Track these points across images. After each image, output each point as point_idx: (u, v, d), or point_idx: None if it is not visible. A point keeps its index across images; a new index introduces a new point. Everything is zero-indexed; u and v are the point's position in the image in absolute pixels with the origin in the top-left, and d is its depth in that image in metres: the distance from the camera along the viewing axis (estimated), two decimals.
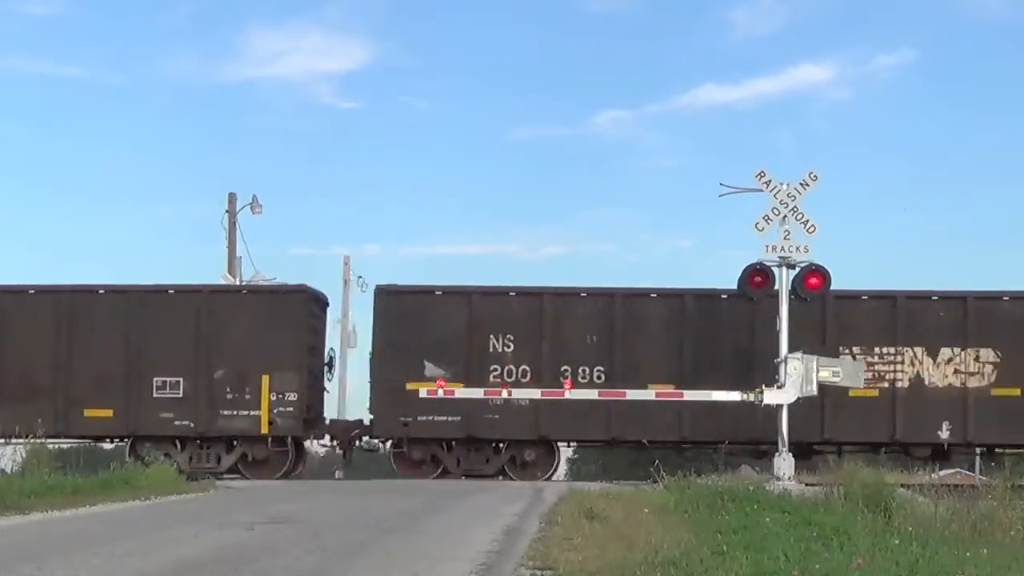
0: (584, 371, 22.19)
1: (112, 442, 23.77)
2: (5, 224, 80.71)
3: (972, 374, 22.05)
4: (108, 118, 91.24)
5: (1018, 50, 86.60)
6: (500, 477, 22.26)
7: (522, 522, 12.63)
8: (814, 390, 18.81)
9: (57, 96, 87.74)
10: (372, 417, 22.91)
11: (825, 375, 18.86)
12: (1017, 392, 21.89)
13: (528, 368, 22.18)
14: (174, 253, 73.82)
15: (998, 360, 22.04)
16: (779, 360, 18.80)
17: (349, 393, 29.34)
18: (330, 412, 24.88)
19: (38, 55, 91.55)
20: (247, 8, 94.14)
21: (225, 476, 22.33)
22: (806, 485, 18.12)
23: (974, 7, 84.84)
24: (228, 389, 22.42)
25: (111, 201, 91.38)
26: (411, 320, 22.54)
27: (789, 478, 18.34)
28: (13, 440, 20.70)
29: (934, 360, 22.11)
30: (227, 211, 34.67)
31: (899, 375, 22.13)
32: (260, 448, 22.53)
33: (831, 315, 21.98)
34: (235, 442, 22.63)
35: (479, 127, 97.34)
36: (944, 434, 21.97)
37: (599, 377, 22.13)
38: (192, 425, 22.41)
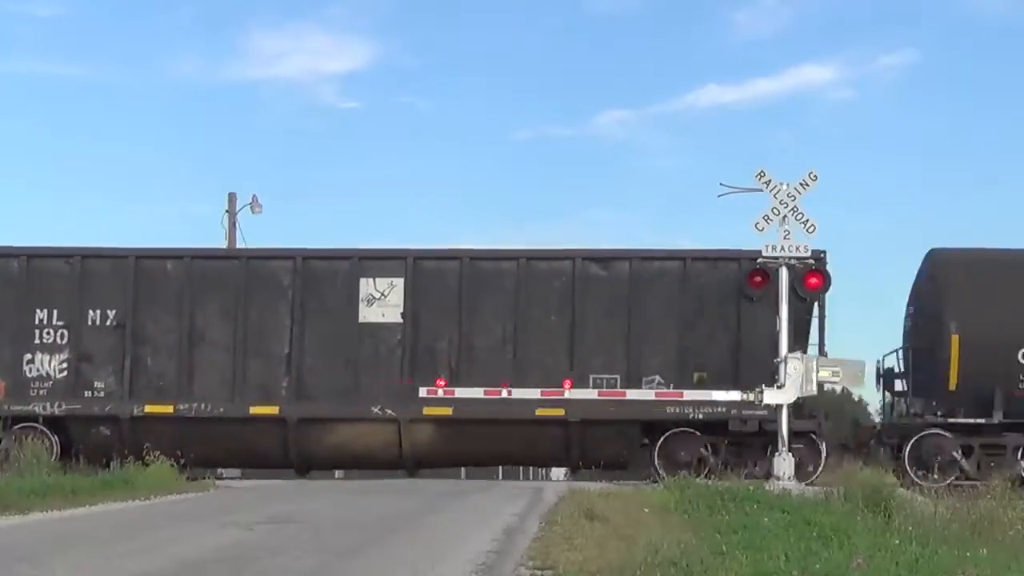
0: None
1: None
2: (7, 222, 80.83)
3: None
4: (110, 118, 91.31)
5: (1020, 50, 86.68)
6: None
7: (522, 522, 12.63)
8: (814, 390, 18.84)
9: (60, 96, 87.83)
10: None
11: (825, 375, 18.89)
12: None
13: None
14: None
15: None
16: (779, 360, 18.82)
17: None
18: None
19: (41, 55, 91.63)
20: (250, 9, 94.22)
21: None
22: (806, 485, 18.14)
23: (976, 7, 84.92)
24: None
25: (111, 200, 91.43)
26: None
27: (789, 478, 18.35)
28: None
29: None
30: (227, 211, 34.70)
31: None
32: None
33: None
34: None
35: (481, 127, 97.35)
36: None
37: None
38: None
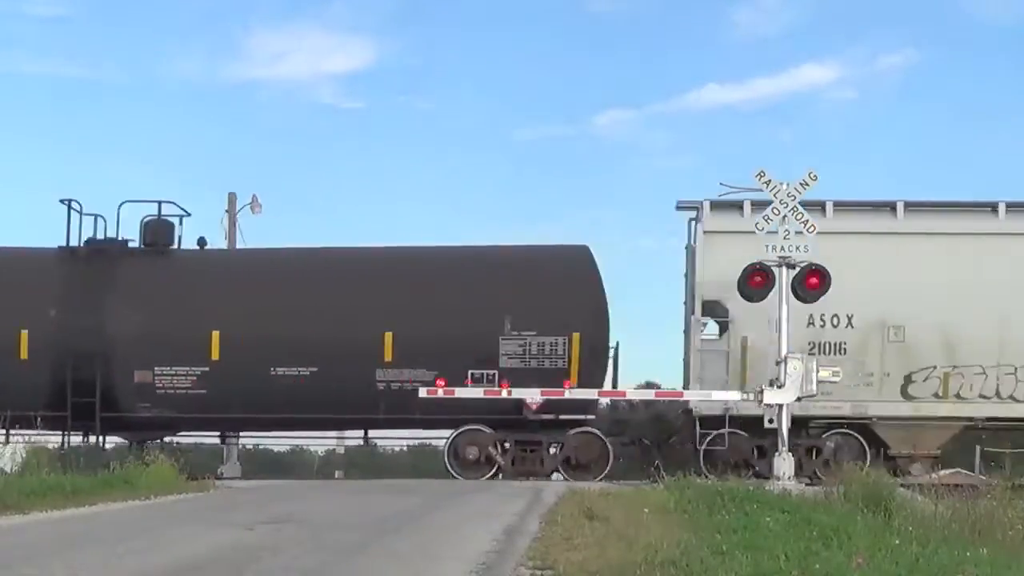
0: None
1: None
2: (8, 223, 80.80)
3: None
4: (110, 117, 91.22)
5: (1021, 50, 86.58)
6: None
7: (522, 522, 12.62)
8: (814, 389, 18.83)
9: (60, 96, 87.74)
10: None
11: (825, 375, 18.88)
12: None
13: None
14: None
15: None
16: (779, 360, 18.82)
17: None
18: None
19: (42, 56, 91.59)
20: (251, 9, 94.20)
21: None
22: (806, 485, 18.13)
23: (978, 7, 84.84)
24: None
25: (111, 200, 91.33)
26: None
27: (789, 478, 18.35)
28: None
29: None
30: (227, 211, 34.69)
31: None
32: None
33: None
34: None
35: (481, 127, 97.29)
36: None
37: None
38: None
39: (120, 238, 22.47)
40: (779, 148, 78.89)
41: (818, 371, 18.75)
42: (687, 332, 22.38)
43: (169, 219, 22.62)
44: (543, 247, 23.12)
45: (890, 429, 21.87)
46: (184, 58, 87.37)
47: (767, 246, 18.85)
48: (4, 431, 21.13)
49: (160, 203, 22.46)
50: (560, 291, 21.76)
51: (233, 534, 11.33)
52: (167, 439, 22.84)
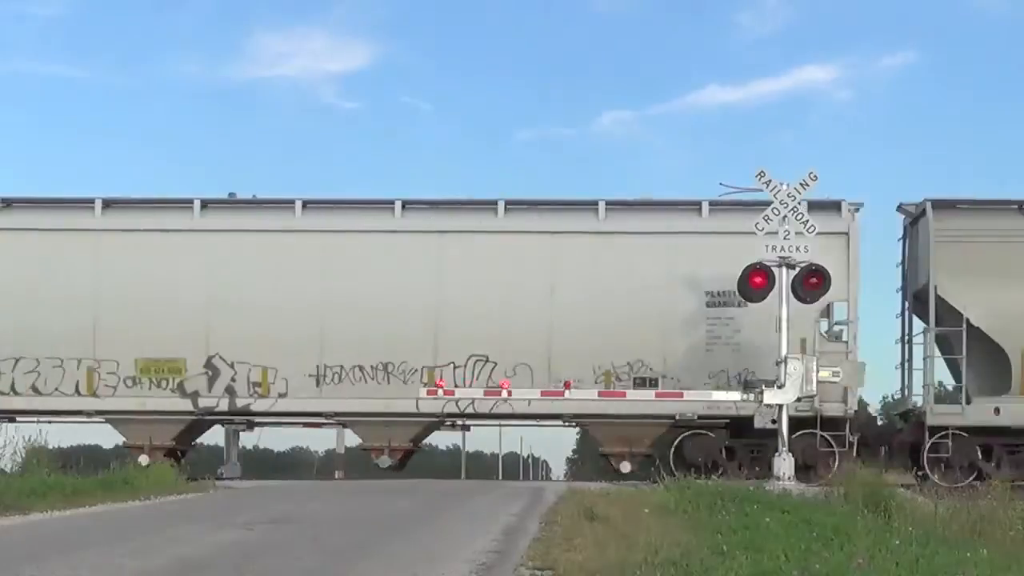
0: None
1: None
2: None
3: None
4: (111, 117, 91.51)
5: (1021, 50, 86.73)
6: None
7: (522, 522, 12.64)
8: (814, 389, 18.83)
9: (61, 96, 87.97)
10: None
11: (825, 375, 18.88)
12: None
13: None
14: None
15: None
16: (779, 360, 18.82)
17: None
18: None
19: (45, 56, 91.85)
20: (253, 11, 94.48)
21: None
22: (806, 485, 18.14)
23: (977, 7, 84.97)
24: None
25: None
26: None
27: (789, 478, 18.36)
28: None
29: None
30: None
31: None
32: None
33: None
34: None
35: (482, 128, 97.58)
36: None
37: None
38: None
39: None
40: (779, 148, 78.99)
41: (818, 371, 18.77)
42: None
43: None
44: None
45: None
46: (186, 59, 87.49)
47: (767, 246, 18.82)
48: None
49: None
50: None
51: (233, 534, 11.34)
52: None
